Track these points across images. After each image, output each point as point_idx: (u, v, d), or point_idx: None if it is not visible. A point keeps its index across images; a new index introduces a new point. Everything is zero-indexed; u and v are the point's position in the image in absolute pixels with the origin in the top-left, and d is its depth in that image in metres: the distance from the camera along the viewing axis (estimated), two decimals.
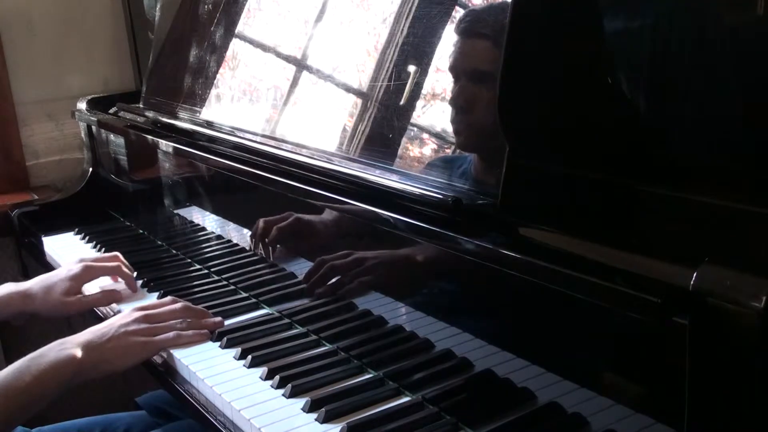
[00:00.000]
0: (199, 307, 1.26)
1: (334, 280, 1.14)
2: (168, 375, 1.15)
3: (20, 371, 1.08)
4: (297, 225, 1.22)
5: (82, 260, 1.43)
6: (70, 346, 1.11)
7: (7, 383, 1.07)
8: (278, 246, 1.28)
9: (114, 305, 1.39)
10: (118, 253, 1.49)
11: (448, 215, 0.89)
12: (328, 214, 1.14)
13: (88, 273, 1.41)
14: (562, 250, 0.77)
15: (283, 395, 1.02)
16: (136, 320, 1.17)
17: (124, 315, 1.20)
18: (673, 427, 0.70)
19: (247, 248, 1.37)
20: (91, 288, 1.45)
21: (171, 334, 1.17)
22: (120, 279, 1.44)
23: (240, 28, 1.52)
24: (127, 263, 1.47)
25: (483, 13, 1.00)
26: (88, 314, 1.42)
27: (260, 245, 1.31)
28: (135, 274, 1.46)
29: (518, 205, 0.84)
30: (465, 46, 1.01)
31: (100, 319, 1.38)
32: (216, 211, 1.48)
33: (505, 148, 0.84)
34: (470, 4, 1.03)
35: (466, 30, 1.00)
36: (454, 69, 1.00)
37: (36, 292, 1.38)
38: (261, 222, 1.29)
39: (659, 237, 0.79)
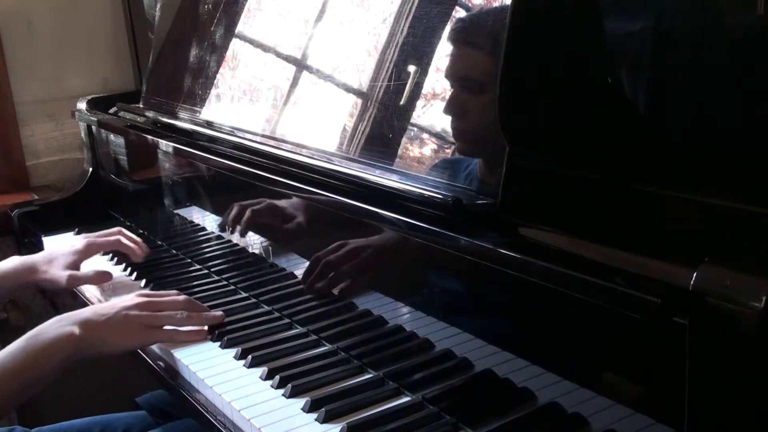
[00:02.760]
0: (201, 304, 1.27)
1: (331, 277, 1.14)
2: (168, 375, 1.15)
3: (19, 350, 1.08)
4: (289, 220, 1.22)
5: (85, 236, 1.50)
6: (68, 323, 1.12)
7: (6, 363, 1.07)
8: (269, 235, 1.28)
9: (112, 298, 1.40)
10: (120, 228, 1.54)
11: (448, 215, 0.89)
12: (326, 214, 1.14)
13: (90, 248, 1.47)
14: (562, 250, 0.77)
15: (283, 395, 1.02)
16: (138, 306, 1.18)
17: (127, 298, 1.20)
18: (673, 427, 0.70)
19: (248, 248, 1.37)
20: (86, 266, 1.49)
21: (169, 329, 1.18)
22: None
23: (240, 28, 1.52)
24: (130, 235, 1.52)
25: (471, 22, 1.00)
26: (76, 301, 1.44)
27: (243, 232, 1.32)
28: (128, 271, 1.51)
29: (518, 205, 0.84)
30: (454, 54, 1.01)
31: (85, 305, 1.39)
32: (216, 211, 1.48)
33: (502, 150, 0.84)
34: (470, 4, 1.03)
35: (453, 38, 1.00)
36: (446, 76, 1.01)
37: (41, 265, 1.44)
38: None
39: (659, 237, 0.79)
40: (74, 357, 1.11)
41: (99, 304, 1.21)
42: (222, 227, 1.44)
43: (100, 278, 1.45)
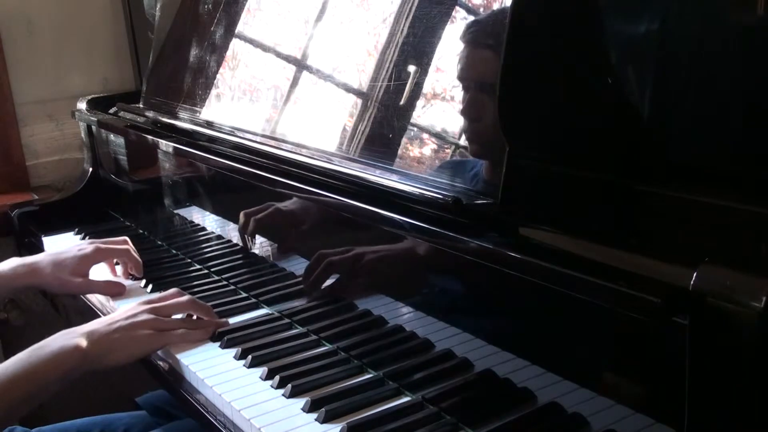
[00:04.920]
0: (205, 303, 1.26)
1: (333, 278, 1.14)
2: (168, 375, 1.15)
3: (23, 361, 1.07)
4: (291, 221, 1.22)
5: (92, 242, 1.46)
6: (75, 335, 1.10)
7: (10, 373, 1.06)
8: (276, 241, 1.28)
9: (113, 303, 1.40)
10: (126, 238, 1.51)
11: (448, 215, 0.89)
12: (327, 214, 1.14)
13: (98, 254, 1.43)
14: (562, 250, 0.77)
15: (283, 395, 1.02)
16: (143, 313, 1.17)
17: (130, 308, 1.19)
18: (673, 427, 0.70)
19: (248, 248, 1.37)
20: (98, 274, 1.47)
21: (178, 331, 1.17)
22: (125, 265, 1.48)
23: (240, 28, 1.52)
24: (135, 249, 1.49)
25: (489, 23, 0.99)
26: (86, 310, 1.43)
27: (252, 239, 1.32)
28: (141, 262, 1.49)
29: (518, 205, 0.84)
30: (473, 57, 1.00)
31: (96, 315, 1.38)
32: (216, 211, 1.48)
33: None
34: (470, 4, 1.03)
35: (473, 40, 0.99)
36: (462, 79, 0.99)
37: (44, 267, 1.40)
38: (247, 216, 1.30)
39: (659, 237, 0.79)
40: (80, 370, 1.09)
41: (104, 317, 1.19)
42: (226, 232, 1.44)
43: (114, 289, 1.42)
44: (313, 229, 1.19)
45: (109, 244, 1.46)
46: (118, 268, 1.50)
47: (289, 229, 1.25)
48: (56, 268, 1.40)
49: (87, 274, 1.43)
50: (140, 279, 1.46)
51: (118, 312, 1.20)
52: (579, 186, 0.86)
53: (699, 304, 0.64)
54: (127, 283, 1.46)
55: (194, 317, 1.23)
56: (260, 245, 1.33)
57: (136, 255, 1.47)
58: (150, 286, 1.43)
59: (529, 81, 0.87)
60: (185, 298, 1.24)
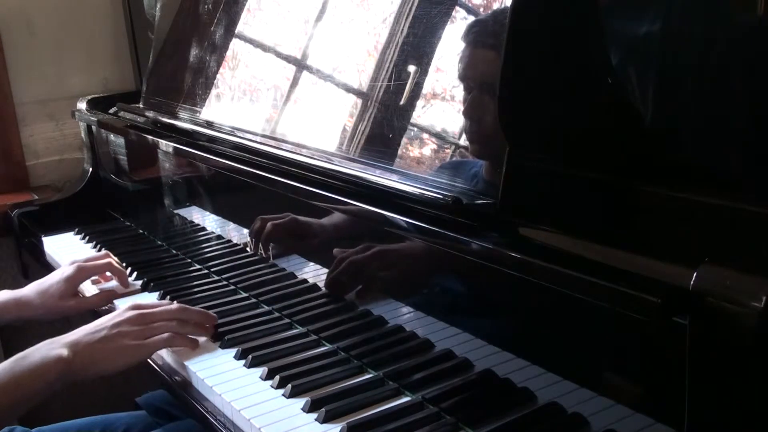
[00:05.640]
0: (196, 307, 1.25)
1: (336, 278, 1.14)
2: (168, 375, 1.15)
3: (5, 371, 1.06)
4: (295, 225, 1.22)
5: (74, 262, 1.44)
6: (58, 346, 1.08)
7: None
8: (277, 245, 1.28)
9: (114, 301, 1.40)
10: (108, 252, 1.51)
11: (448, 215, 0.89)
12: (326, 215, 1.14)
13: (82, 273, 1.41)
14: (562, 250, 0.77)
15: (283, 395, 1.02)
16: (130, 320, 1.14)
17: (117, 314, 1.16)
18: (673, 427, 0.70)
19: (248, 248, 1.37)
20: (88, 289, 1.46)
21: (165, 335, 1.14)
22: (112, 276, 1.46)
23: (240, 28, 1.52)
24: (117, 260, 1.48)
25: (491, 23, 0.99)
26: (88, 313, 1.42)
27: (260, 245, 1.31)
28: (128, 270, 1.49)
29: (518, 205, 0.84)
30: (475, 57, 0.99)
31: (96, 314, 1.38)
32: (216, 211, 1.48)
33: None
34: (470, 4, 1.03)
35: (475, 40, 0.99)
36: (465, 79, 0.99)
37: (32, 299, 1.39)
38: (259, 221, 1.30)
39: (659, 237, 0.79)
40: (63, 380, 1.07)
41: (89, 325, 1.15)
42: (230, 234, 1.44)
43: (107, 298, 1.41)
44: (312, 230, 1.19)
45: (91, 261, 1.45)
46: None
47: (288, 230, 1.24)
48: (44, 297, 1.38)
49: (77, 294, 1.41)
50: (126, 289, 1.44)
51: (104, 318, 1.16)
52: (579, 186, 0.86)
53: (699, 304, 0.64)
54: (116, 285, 1.45)
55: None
56: (260, 245, 1.33)
57: (119, 266, 1.46)
58: (150, 285, 1.43)
59: (529, 81, 0.87)
60: (174, 304, 1.22)
